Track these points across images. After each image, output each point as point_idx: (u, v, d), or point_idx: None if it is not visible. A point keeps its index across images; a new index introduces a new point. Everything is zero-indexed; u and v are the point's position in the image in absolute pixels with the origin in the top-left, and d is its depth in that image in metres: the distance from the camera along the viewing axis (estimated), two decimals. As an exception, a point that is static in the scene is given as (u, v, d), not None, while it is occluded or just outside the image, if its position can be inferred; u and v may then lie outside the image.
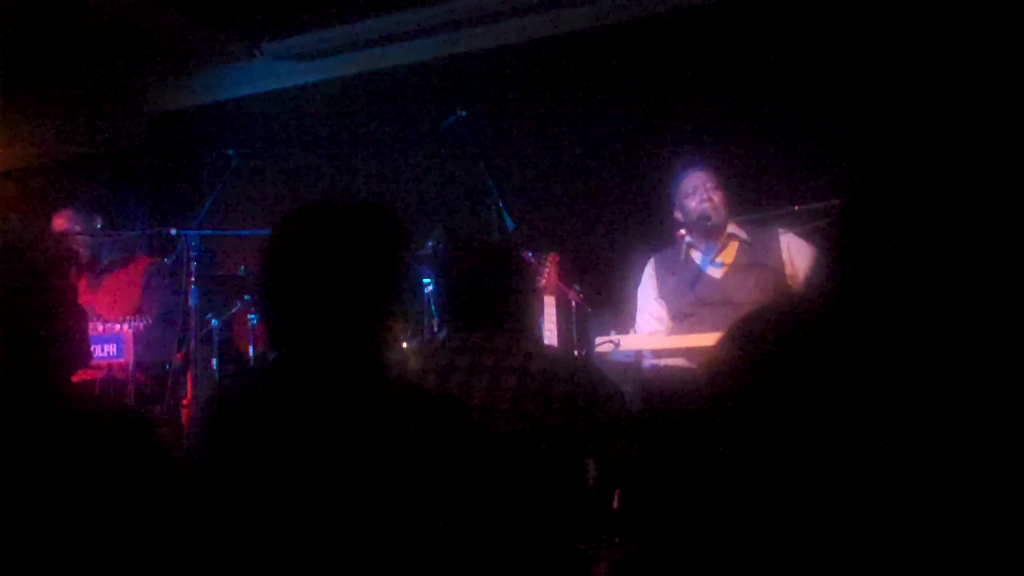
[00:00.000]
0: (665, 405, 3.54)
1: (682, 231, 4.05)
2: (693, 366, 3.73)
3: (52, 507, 1.66)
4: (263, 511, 1.57)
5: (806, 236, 3.88)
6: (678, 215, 4.10)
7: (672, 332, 3.96)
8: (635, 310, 4.16)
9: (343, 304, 1.68)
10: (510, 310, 2.56)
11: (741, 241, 3.98)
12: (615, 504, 2.89)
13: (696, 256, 4.04)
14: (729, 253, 4.00)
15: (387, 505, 1.54)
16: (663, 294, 4.05)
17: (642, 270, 4.18)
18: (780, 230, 3.94)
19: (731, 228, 4.00)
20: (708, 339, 3.54)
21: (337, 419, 1.61)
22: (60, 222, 4.61)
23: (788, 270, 3.88)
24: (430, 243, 4.58)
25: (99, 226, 4.67)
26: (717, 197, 3.98)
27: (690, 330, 3.80)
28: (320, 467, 1.56)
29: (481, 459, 1.68)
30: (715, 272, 3.97)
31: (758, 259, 3.91)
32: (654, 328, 4.03)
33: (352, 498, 1.54)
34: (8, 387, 1.77)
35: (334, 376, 1.67)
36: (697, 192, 4.00)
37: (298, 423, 1.62)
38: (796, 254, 3.90)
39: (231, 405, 1.74)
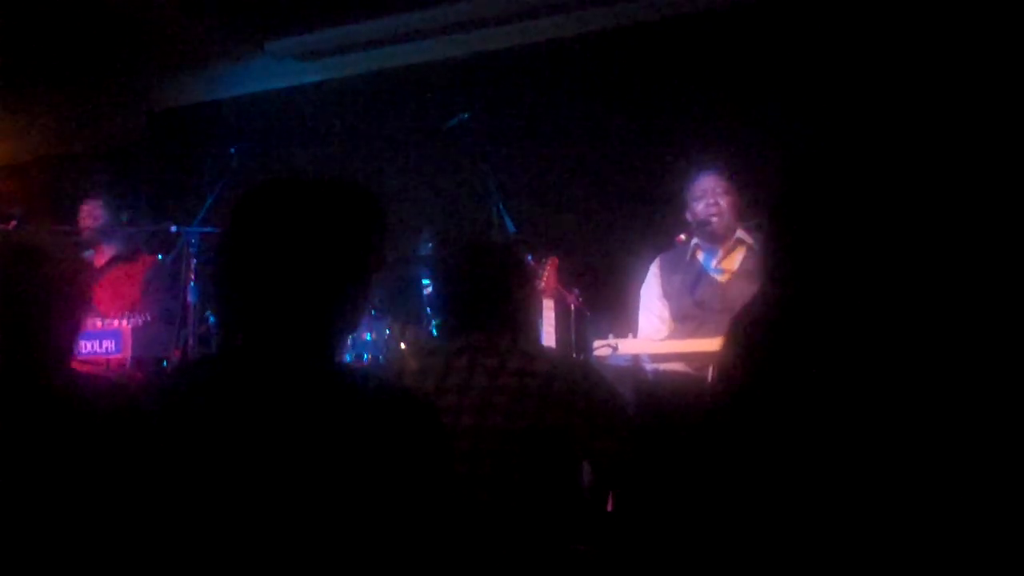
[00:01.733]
0: (662, 409, 3.54)
1: (682, 236, 4.05)
2: (692, 371, 3.73)
3: (52, 490, 1.68)
4: (210, 509, 1.48)
5: None
6: (688, 217, 4.11)
7: (673, 333, 3.96)
8: (637, 310, 4.15)
9: (297, 289, 1.56)
10: (510, 310, 2.56)
11: (748, 247, 3.97)
12: (610, 506, 2.89)
13: (701, 257, 4.05)
14: (734, 259, 3.99)
15: (335, 502, 1.46)
16: (666, 293, 4.05)
17: (646, 270, 4.18)
18: None
19: (740, 233, 3.99)
20: (708, 344, 3.53)
21: (283, 413, 1.51)
22: (88, 209, 4.64)
23: None
24: (429, 244, 4.59)
25: (126, 219, 4.69)
26: (724, 202, 3.98)
27: (691, 334, 3.80)
28: (267, 462, 1.47)
29: (439, 454, 1.56)
30: (718, 277, 3.97)
31: (764, 267, 3.90)
32: (656, 327, 4.02)
33: (298, 494, 1.46)
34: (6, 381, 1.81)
35: (280, 367, 1.56)
36: (704, 196, 4.01)
37: (243, 416, 1.51)
38: None
39: (178, 398, 1.61)
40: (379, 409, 1.53)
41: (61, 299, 1.96)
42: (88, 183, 5.07)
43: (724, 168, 4.11)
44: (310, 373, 1.57)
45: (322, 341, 1.61)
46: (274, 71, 6.44)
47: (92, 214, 4.64)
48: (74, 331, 2.02)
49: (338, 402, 1.54)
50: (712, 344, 3.53)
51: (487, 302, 2.54)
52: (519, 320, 2.60)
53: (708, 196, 4.00)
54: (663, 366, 3.78)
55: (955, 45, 4.41)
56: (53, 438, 1.76)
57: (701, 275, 3.98)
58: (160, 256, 4.70)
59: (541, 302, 3.93)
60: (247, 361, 1.57)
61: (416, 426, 1.53)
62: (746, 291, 3.86)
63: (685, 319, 3.95)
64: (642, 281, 4.18)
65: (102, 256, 4.64)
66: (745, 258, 3.98)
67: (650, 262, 4.20)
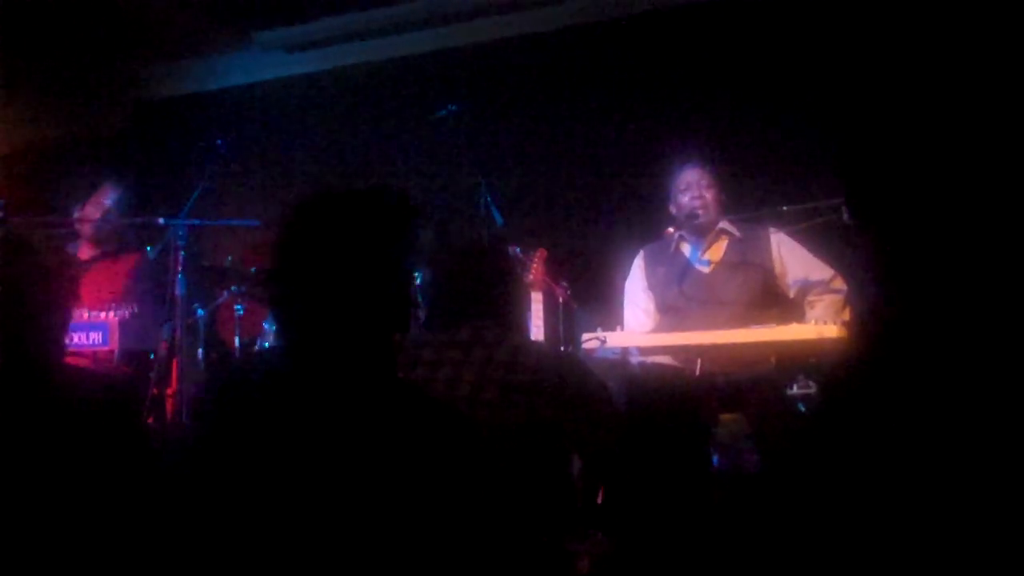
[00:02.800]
0: (651, 402, 3.55)
1: (671, 228, 4.06)
2: (679, 364, 3.74)
3: (40, 484, 1.68)
4: (255, 499, 1.54)
5: (796, 236, 3.91)
6: (673, 209, 4.12)
7: (658, 325, 3.97)
8: (622, 303, 4.16)
9: (358, 295, 1.64)
10: (497, 305, 2.57)
11: (732, 238, 3.99)
12: (599, 499, 2.90)
13: (685, 249, 4.05)
14: (718, 250, 4.00)
15: (381, 505, 1.51)
16: (651, 285, 4.06)
17: (631, 264, 4.19)
18: (771, 229, 3.95)
19: (723, 224, 4.00)
20: (695, 337, 3.55)
21: (342, 415, 1.58)
22: (100, 199, 4.62)
23: (777, 269, 3.90)
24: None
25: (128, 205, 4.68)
26: (709, 195, 4.00)
27: (676, 326, 3.81)
28: (317, 460, 1.54)
29: (480, 470, 1.64)
30: (703, 268, 3.98)
31: (747, 257, 3.93)
32: (642, 320, 4.02)
33: (346, 493, 1.52)
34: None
35: (344, 370, 1.63)
36: (690, 188, 4.02)
37: (301, 415, 1.58)
38: (786, 254, 3.92)
39: (233, 390, 1.71)
40: (431, 423, 1.63)
41: (50, 292, 1.95)
42: (96, 170, 5.05)
43: (706, 161, 4.13)
44: (366, 379, 1.64)
45: (375, 343, 1.68)
46: (262, 62, 6.42)
47: (99, 203, 4.61)
48: (64, 324, 2.02)
49: (392, 412, 1.61)
50: (699, 337, 3.57)
51: (475, 296, 2.55)
52: (507, 315, 2.60)
53: (693, 189, 4.02)
54: (652, 359, 3.79)
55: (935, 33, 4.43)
56: (49, 433, 1.75)
57: (686, 267, 4.00)
58: (148, 249, 4.69)
59: (529, 295, 3.94)
60: (304, 362, 1.64)
61: (459, 441, 1.63)
62: (729, 280, 3.89)
63: (670, 311, 3.96)
64: (627, 274, 4.19)
65: (87, 250, 4.62)
66: (728, 248, 3.99)
67: (634, 255, 4.20)
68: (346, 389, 1.61)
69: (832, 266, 3.85)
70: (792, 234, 3.91)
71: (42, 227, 4.42)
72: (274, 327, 4.62)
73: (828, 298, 3.83)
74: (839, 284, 3.83)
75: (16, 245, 1.94)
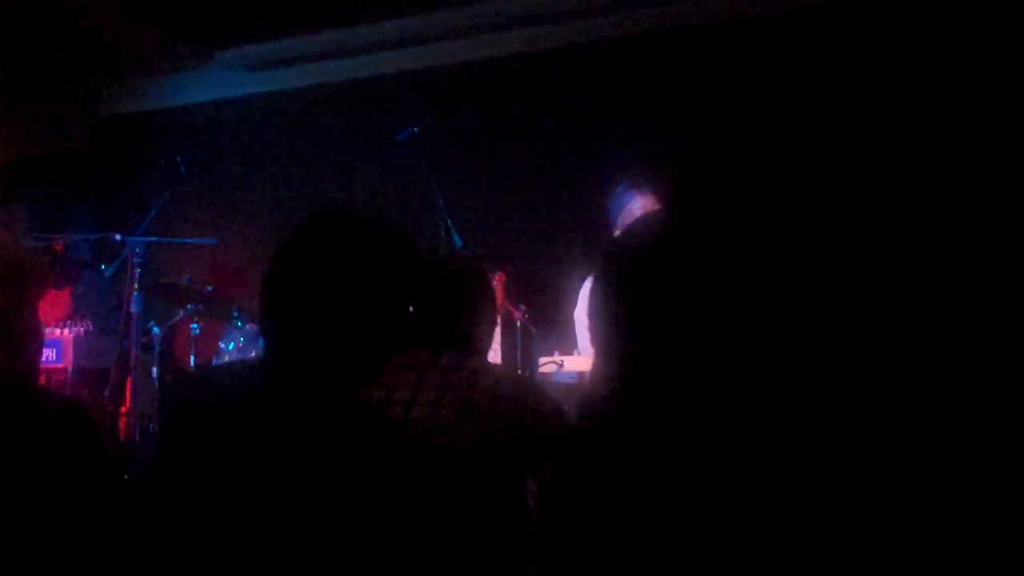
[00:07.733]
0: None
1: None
2: None
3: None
4: (214, 516, 1.55)
5: None
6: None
7: None
8: (578, 333, 4.13)
9: (350, 327, 1.64)
10: (458, 328, 2.57)
11: None
12: (555, 524, 2.90)
13: None
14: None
15: (335, 529, 1.51)
16: None
17: (579, 291, 4.16)
18: None
19: None
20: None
21: (312, 441, 1.58)
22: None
23: None
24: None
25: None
26: None
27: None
28: (274, 481, 1.53)
29: (434, 495, 1.64)
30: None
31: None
32: None
33: (301, 514, 1.52)
34: None
35: (319, 397, 1.63)
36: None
37: (270, 436, 1.58)
38: None
39: (201, 402, 1.70)
40: (385, 446, 1.63)
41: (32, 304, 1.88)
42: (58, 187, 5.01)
43: (654, 188, 4.11)
44: (338, 406, 1.65)
45: (351, 376, 1.68)
46: (223, 81, 6.40)
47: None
48: (37, 334, 1.92)
49: (358, 440, 1.61)
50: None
51: (435, 318, 2.54)
52: (467, 337, 2.60)
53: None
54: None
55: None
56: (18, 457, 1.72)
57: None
58: (90, 268, 4.63)
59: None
60: (280, 379, 1.65)
61: (414, 468, 1.62)
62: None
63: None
64: (575, 302, 4.15)
65: None
66: None
67: (581, 281, 4.17)
68: (310, 407, 1.61)
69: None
70: None
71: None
72: (233, 344, 4.61)
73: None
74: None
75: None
